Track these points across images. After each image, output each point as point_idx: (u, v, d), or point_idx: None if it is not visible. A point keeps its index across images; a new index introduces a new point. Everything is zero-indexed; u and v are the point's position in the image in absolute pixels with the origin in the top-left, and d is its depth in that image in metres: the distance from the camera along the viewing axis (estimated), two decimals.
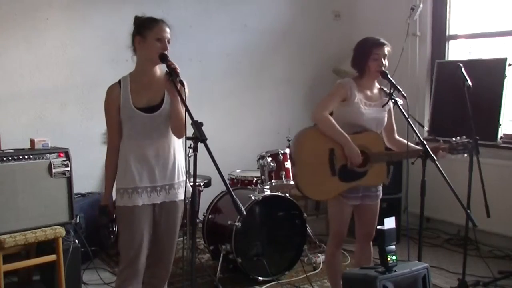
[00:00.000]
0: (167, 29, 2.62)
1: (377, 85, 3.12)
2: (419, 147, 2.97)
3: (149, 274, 2.77)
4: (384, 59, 2.99)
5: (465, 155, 3.10)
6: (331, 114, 3.02)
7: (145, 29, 2.59)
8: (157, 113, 2.62)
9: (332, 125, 2.93)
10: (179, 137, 2.70)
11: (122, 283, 2.67)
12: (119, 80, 2.69)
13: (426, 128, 3.00)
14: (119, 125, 2.66)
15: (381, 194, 3.16)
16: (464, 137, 3.08)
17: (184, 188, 2.77)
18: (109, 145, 2.72)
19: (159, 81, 2.64)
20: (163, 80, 2.55)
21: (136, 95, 2.63)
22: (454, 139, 3.07)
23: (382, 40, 3.02)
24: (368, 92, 3.06)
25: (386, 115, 3.11)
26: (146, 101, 2.63)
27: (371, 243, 3.19)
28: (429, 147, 2.88)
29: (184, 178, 2.77)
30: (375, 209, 3.14)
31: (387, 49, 3.00)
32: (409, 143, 3.06)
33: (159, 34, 2.57)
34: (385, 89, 3.12)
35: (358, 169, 2.97)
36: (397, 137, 3.21)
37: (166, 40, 2.59)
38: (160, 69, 2.68)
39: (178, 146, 2.75)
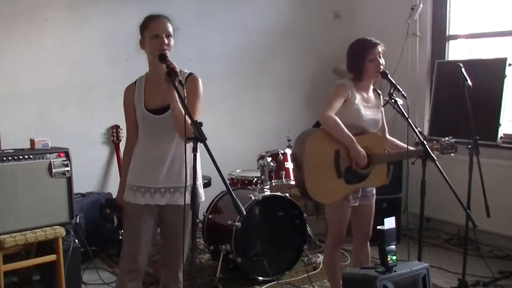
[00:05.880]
0: (165, 24, 2.55)
1: (371, 86, 3.12)
2: (412, 148, 2.98)
3: (163, 275, 2.77)
4: (380, 58, 2.98)
5: (452, 154, 3.10)
6: None
7: (143, 29, 2.59)
8: (166, 114, 2.56)
9: (340, 126, 2.90)
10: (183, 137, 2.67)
11: (123, 277, 2.65)
12: (136, 80, 2.70)
13: (419, 129, 3.01)
14: (135, 124, 2.67)
15: (375, 193, 3.17)
16: (452, 137, 3.09)
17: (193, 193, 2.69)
18: (126, 142, 2.76)
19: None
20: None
21: (150, 96, 2.62)
22: (443, 139, 3.08)
23: (374, 40, 3.00)
24: (365, 94, 3.06)
25: (381, 116, 3.12)
26: (160, 102, 2.58)
27: (368, 242, 3.19)
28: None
29: (192, 183, 2.57)
30: (372, 208, 3.15)
31: (381, 48, 2.98)
32: (400, 143, 3.07)
33: (154, 31, 2.52)
34: (378, 90, 3.14)
35: (361, 171, 2.97)
36: (389, 137, 3.21)
37: (163, 35, 2.51)
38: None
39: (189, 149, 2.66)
